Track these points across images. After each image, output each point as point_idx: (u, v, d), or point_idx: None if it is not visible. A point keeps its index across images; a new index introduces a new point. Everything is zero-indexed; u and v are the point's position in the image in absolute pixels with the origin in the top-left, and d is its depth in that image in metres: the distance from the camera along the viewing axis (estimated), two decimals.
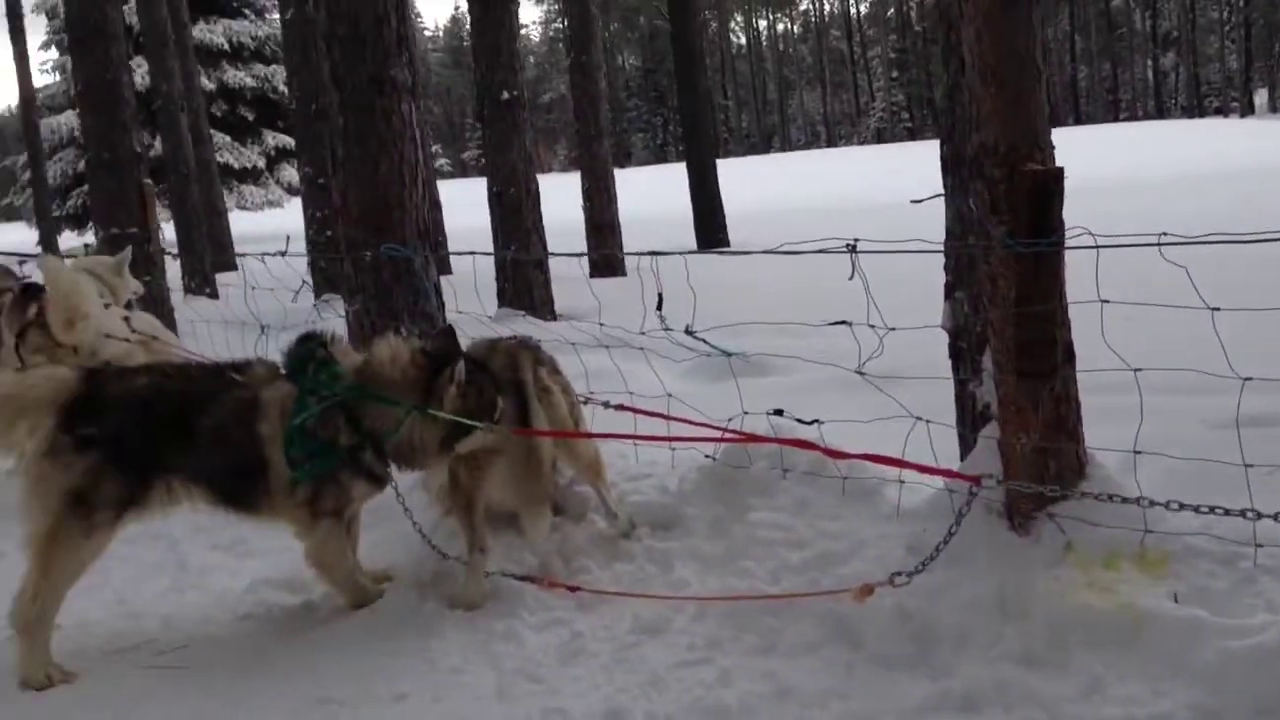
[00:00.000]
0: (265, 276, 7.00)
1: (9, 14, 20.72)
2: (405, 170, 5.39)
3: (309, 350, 3.63)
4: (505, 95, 9.21)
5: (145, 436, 3.50)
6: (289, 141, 38.09)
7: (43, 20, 36.75)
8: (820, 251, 3.25)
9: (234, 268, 17.98)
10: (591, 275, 12.33)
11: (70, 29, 7.76)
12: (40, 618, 3.45)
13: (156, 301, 8.04)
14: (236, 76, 36.93)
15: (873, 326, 3.34)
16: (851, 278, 3.18)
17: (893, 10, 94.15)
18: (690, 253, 3.83)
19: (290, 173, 38.12)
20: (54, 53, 39.31)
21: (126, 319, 6.13)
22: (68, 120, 35.67)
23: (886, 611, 3.01)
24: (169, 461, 3.53)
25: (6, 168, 42.22)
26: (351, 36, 5.21)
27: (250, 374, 3.66)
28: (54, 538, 3.42)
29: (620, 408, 4.05)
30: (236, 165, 36.29)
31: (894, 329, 3.37)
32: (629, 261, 12.18)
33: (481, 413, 3.58)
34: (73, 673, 3.46)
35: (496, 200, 9.47)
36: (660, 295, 3.93)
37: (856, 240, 3.17)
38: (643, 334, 4.08)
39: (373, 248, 5.36)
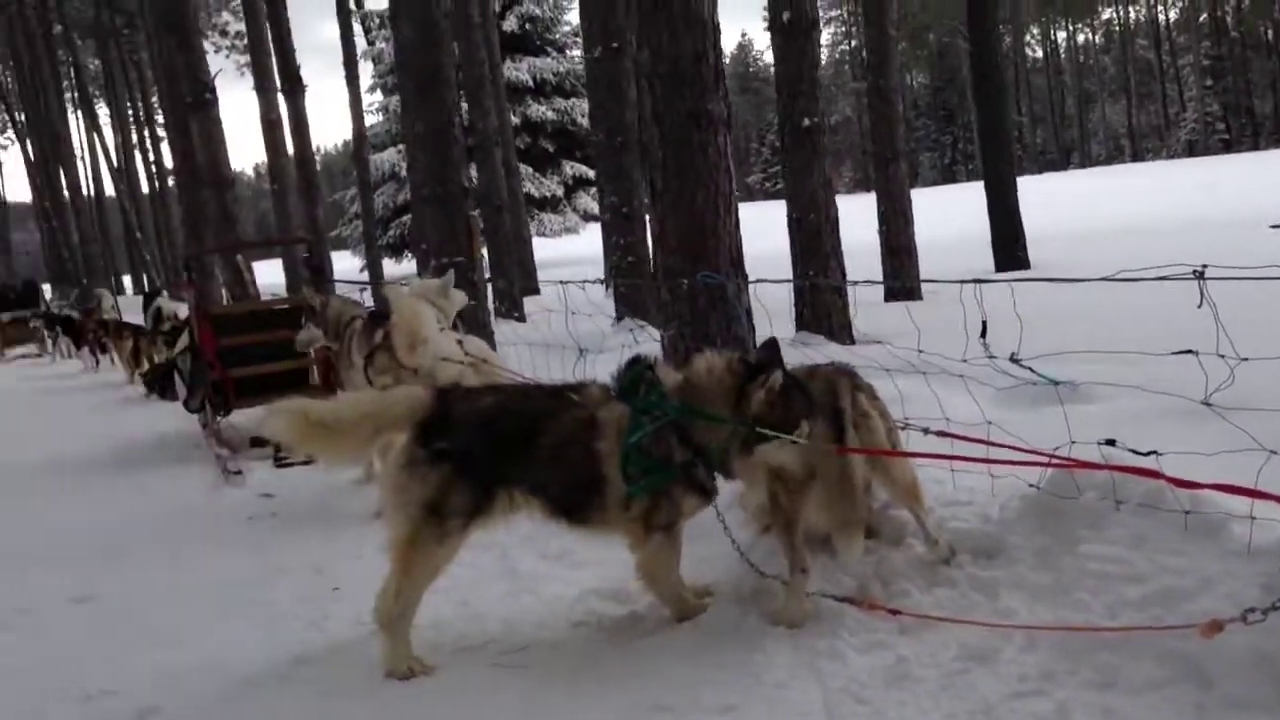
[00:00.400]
0: (571, 301, 7.43)
1: (345, 62, 22.74)
2: (720, 200, 5.58)
3: (639, 372, 3.84)
4: (806, 122, 9.33)
5: (490, 451, 3.78)
6: (585, 171, 39.82)
7: (369, 66, 39.80)
8: (1162, 279, 3.15)
9: (538, 292, 18.96)
10: (886, 299, 12.24)
11: (408, 78, 8.43)
12: (401, 615, 3.80)
13: (479, 325, 8.60)
14: (539, 110, 38.99)
15: (1222, 356, 3.19)
16: (1200, 305, 3.06)
17: (1205, 15, 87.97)
18: (1022, 279, 3.76)
19: (586, 200, 39.79)
20: (378, 95, 42.73)
21: (460, 342, 6.62)
22: (389, 157, 38.79)
23: (1239, 651, 2.86)
24: (511, 474, 3.81)
25: (335, 201, 46.17)
26: (672, 74, 5.46)
27: (586, 395, 3.90)
28: (412, 543, 3.76)
29: (940, 434, 4.03)
30: (537, 195, 38.20)
31: (1246, 359, 3.20)
32: (925, 285, 12.02)
33: (788, 425, 3.67)
34: (431, 666, 3.80)
35: (796, 226, 9.57)
36: (984, 323, 3.91)
37: (1205, 266, 3.05)
38: (964, 361, 4.06)
39: (689, 275, 5.58)
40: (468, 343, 6.73)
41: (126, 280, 57.15)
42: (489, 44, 18.65)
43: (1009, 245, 17.70)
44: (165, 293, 15.30)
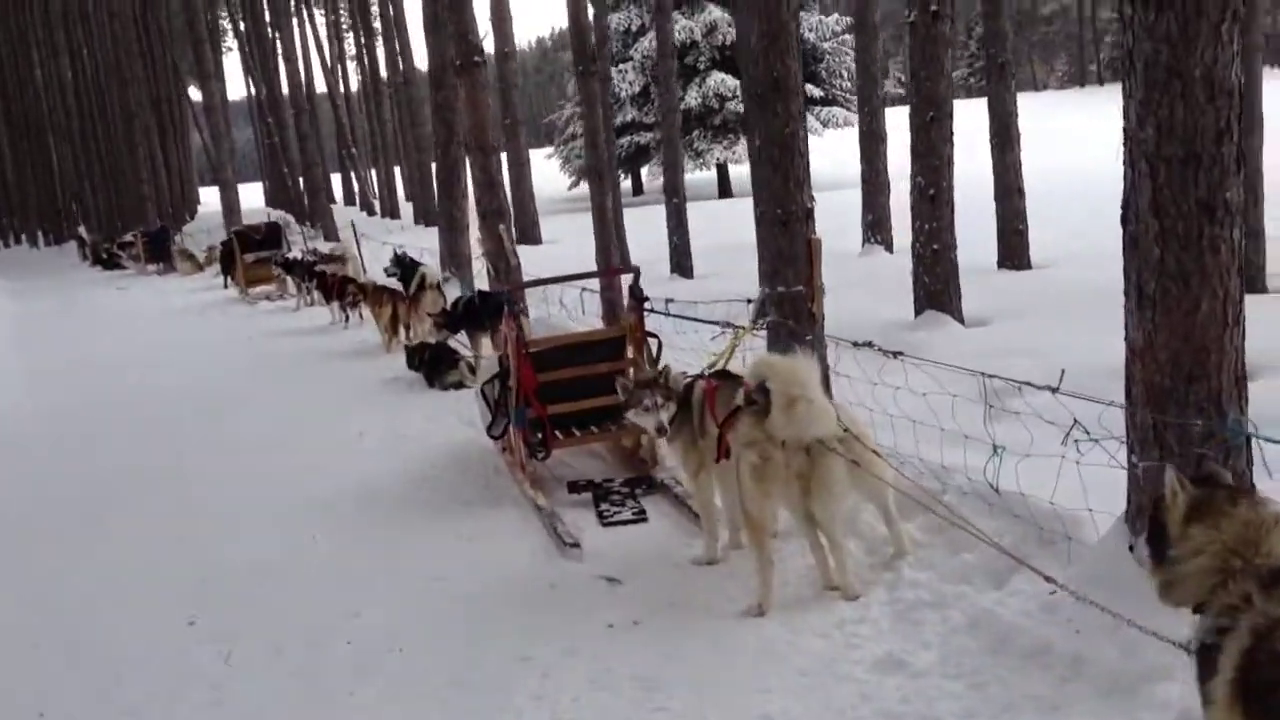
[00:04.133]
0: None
1: None
2: (1228, 308, 4.47)
3: None
4: None
5: None
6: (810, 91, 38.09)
7: None
8: None
9: None
10: None
11: (751, 85, 7.46)
12: None
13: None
14: None
15: None
16: None
17: None
18: None
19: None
20: None
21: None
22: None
23: None
24: None
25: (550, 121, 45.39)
26: (1185, 157, 4.33)
27: None
28: None
29: None
30: None
31: None
32: None
33: None
34: None
35: None
36: None
37: None
38: None
39: (1179, 397, 4.53)
40: (842, 411, 5.83)
41: (335, 181, 58.03)
42: None
43: None
44: (420, 258, 14.86)
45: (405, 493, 8.18)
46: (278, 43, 40.53)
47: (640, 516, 7.11)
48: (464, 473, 8.53)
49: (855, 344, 6.33)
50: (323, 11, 54.38)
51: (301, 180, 40.99)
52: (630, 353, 7.95)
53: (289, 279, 20.50)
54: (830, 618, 5.38)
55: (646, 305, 7.84)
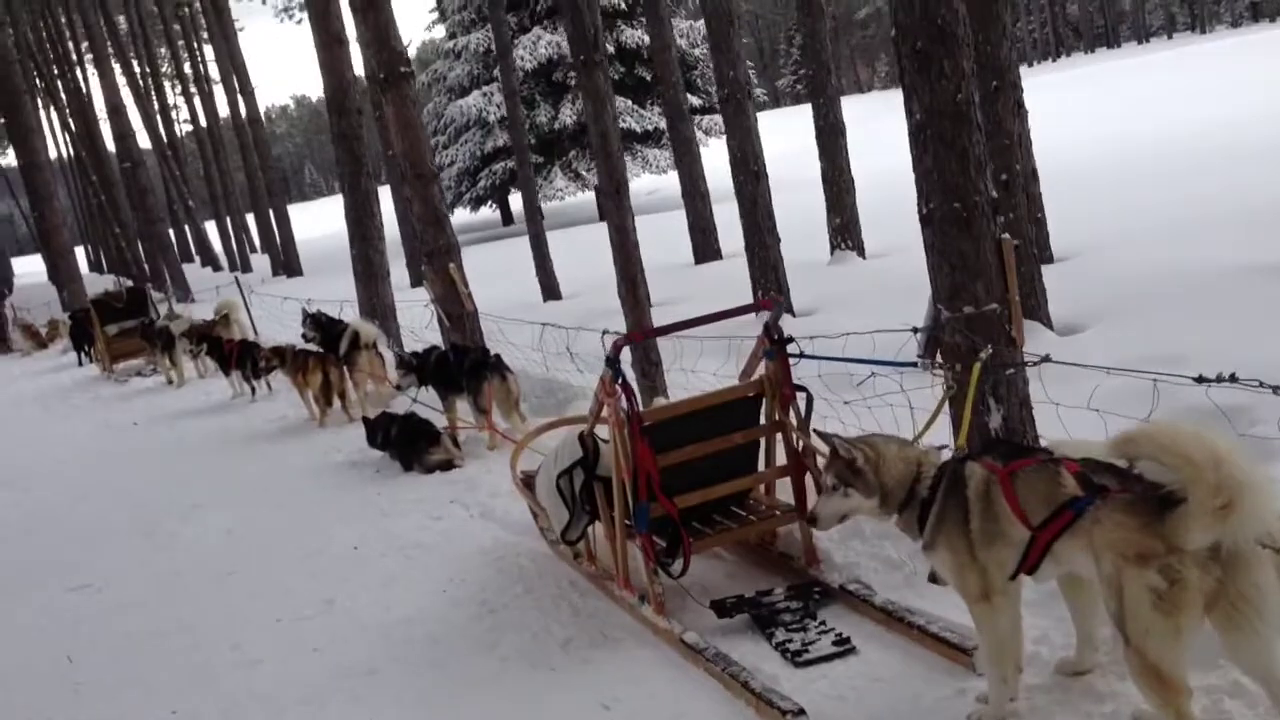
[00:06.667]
0: None
1: None
2: None
3: None
4: None
5: None
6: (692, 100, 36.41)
7: None
8: None
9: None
10: None
11: (905, 39, 5.51)
12: None
13: (1019, 402, 5.86)
14: (633, 35, 35.48)
15: None
16: None
17: None
18: None
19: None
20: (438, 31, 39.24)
21: None
22: (474, 101, 35.77)
23: None
24: None
25: None
26: None
27: None
28: None
29: None
30: (638, 129, 34.95)
31: None
32: None
33: None
34: None
35: None
36: None
37: None
38: None
39: None
40: None
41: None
42: None
43: None
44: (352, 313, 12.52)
45: (467, 634, 5.94)
46: (97, 94, 36.99)
47: (844, 646, 5.05)
48: (531, 594, 6.32)
49: (1204, 380, 4.36)
50: (135, 60, 50.26)
51: (140, 241, 37.40)
52: (769, 415, 5.89)
53: (189, 354, 17.35)
54: None
55: (792, 350, 5.78)
